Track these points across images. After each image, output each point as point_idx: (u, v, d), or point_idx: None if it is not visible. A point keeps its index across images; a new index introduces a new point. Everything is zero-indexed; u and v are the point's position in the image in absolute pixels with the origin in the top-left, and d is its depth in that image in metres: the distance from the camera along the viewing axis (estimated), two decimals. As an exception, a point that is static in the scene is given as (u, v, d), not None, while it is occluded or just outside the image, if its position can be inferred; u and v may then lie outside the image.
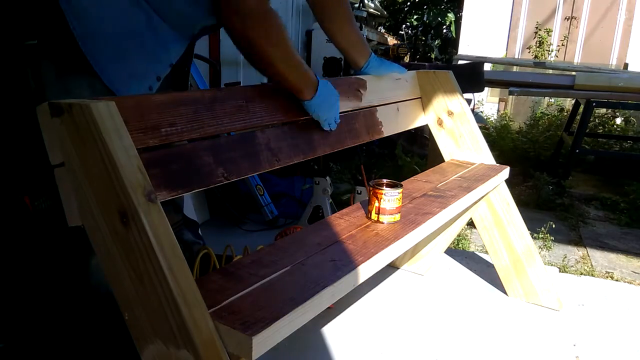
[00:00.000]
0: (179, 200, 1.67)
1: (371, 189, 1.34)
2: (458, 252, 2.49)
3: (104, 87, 1.14)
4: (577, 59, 6.50)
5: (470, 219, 2.04)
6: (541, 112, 5.34)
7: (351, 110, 1.58)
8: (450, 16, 10.77)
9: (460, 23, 7.59)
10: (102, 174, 0.82)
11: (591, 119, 4.43)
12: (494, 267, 2.05)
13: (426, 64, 2.97)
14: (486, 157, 1.96)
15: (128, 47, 1.16)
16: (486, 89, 4.66)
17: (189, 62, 1.47)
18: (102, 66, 1.12)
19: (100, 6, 1.11)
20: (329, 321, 1.80)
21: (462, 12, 7.60)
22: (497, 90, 6.00)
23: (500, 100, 6.24)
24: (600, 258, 2.55)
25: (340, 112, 1.48)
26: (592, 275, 2.32)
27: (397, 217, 1.34)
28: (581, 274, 2.32)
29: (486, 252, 2.36)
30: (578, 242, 2.76)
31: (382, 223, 1.32)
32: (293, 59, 1.18)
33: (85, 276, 1.26)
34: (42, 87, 1.11)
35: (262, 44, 1.11)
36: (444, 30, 11.33)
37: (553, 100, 5.54)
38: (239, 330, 0.82)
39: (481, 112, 5.86)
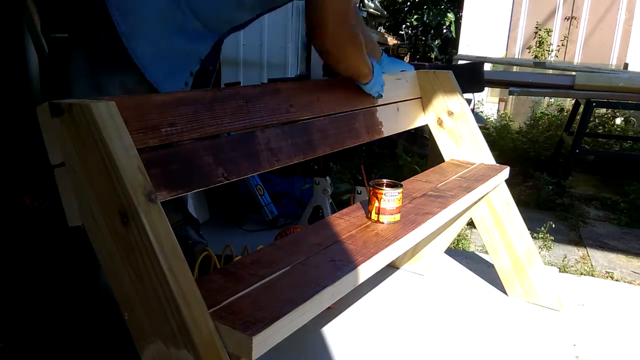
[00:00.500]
0: (182, 199, 1.67)
1: (371, 189, 1.34)
2: (458, 252, 2.49)
3: (137, 84, 1.16)
4: (577, 59, 6.50)
5: (470, 219, 2.04)
6: (541, 112, 5.34)
7: (351, 111, 1.58)
8: (450, 16, 10.77)
9: (460, 23, 7.60)
10: (102, 174, 0.82)
11: (591, 119, 4.43)
12: (494, 267, 2.05)
13: (426, 64, 2.96)
14: (486, 157, 1.96)
15: (167, 45, 1.18)
16: (486, 89, 4.66)
17: (217, 59, 1.49)
18: (145, 63, 1.14)
19: (144, 4, 1.12)
20: (329, 321, 1.80)
21: (462, 12, 7.60)
22: (497, 90, 6.00)
23: (500, 100, 6.24)
24: (600, 258, 2.55)
25: (341, 112, 1.49)
26: (592, 275, 2.32)
27: (397, 217, 1.34)
28: (581, 274, 2.32)
29: (486, 252, 2.36)
30: (578, 242, 2.76)
31: (382, 223, 1.32)
32: (366, 60, 1.45)
33: (93, 278, 1.26)
34: (68, 81, 1.11)
35: (354, 62, 1.41)
36: (444, 30, 11.33)
37: (553, 100, 5.54)
38: (239, 330, 0.82)
39: (481, 112, 5.86)
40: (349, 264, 1.08)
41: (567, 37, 6.52)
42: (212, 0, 1.22)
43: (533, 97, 5.32)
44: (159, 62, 1.17)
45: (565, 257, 2.49)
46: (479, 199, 1.87)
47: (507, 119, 5.26)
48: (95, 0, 1.06)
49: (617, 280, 2.29)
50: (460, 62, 4.68)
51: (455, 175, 1.79)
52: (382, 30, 10.27)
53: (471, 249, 2.54)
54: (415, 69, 1.98)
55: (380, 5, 8.99)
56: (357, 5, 6.76)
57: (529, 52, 6.63)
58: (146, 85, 1.16)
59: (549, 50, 6.52)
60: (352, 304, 1.92)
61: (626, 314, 1.98)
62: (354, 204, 1.51)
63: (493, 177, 1.79)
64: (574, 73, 3.62)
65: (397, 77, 1.85)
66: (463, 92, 1.96)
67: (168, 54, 1.19)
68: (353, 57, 1.38)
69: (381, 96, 1.67)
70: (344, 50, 1.32)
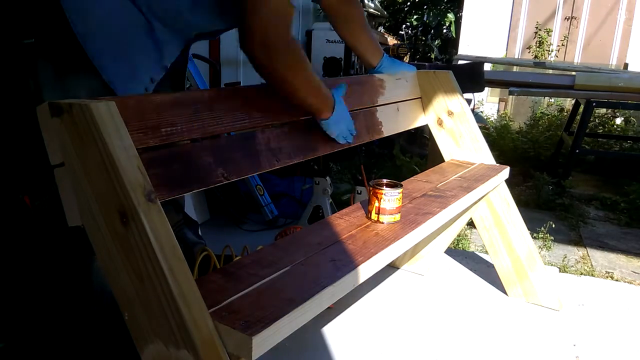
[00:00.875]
0: (179, 200, 1.67)
1: (371, 189, 1.34)
2: (458, 252, 2.49)
3: (102, 88, 1.14)
4: (577, 59, 6.50)
5: (471, 219, 2.04)
6: (541, 112, 5.33)
7: (351, 111, 1.58)
8: (450, 16, 10.77)
9: (460, 23, 7.59)
10: (102, 174, 0.82)
11: (591, 119, 4.43)
12: (494, 267, 2.05)
13: (426, 64, 2.97)
14: (486, 157, 1.96)
15: (126, 48, 1.16)
16: (486, 89, 4.66)
17: (185, 63, 1.47)
18: (103, 65, 1.12)
19: (101, 5, 1.11)
20: (329, 321, 1.80)
21: (462, 12, 7.60)
22: (497, 90, 5.99)
23: (500, 100, 6.24)
24: (600, 258, 2.55)
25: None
26: (592, 275, 2.32)
27: (397, 217, 1.34)
28: (581, 274, 2.32)
29: (486, 252, 2.36)
30: (578, 242, 2.76)
31: (382, 223, 1.32)
32: (313, 84, 1.22)
33: (87, 277, 1.26)
34: (39, 87, 1.10)
35: (285, 74, 1.15)
36: (444, 30, 11.32)
37: (553, 100, 5.54)
38: (239, 330, 0.82)
39: (481, 112, 5.86)
40: (349, 264, 1.08)
41: (567, 37, 6.51)
42: (168, 0, 1.18)
43: (533, 97, 5.31)
44: (117, 63, 1.13)
45: (565, 257, 2.48)
46: (479, 199, 1.87)
47: (507, 119, 5.26)
48: (51, 3, 1.05)
49: (617, 280, 2.29)
50: (460, 62, 4.68)
51: (455, 175, 1.79)
52: (382, 31, 10.27)
53: (471, 249, 2.54)
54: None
55: (380, 5, 8.99)
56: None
57: (529, 52, 6.62)
58: (108, 90, 1.14)
59: (549, 51, 6.51)
60: (352, 304, 1.92)
61: (626, 314, 1.98)
62: (354, 204, 1.51)
63: (493, 177, 1.79)
64: (574, 73, 3.61)
65: (397, 77, 1.85)
66: (463, 92, 1.96)
67: (127, 57, 1.15)
68: (291, 70, 1.14)
69: (349, 143, 1.44)
70: (278, 59, 1.10)
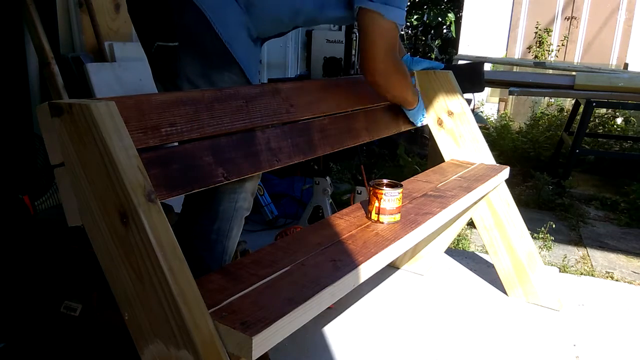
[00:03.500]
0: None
1: (371, 189, 1.34)
2: (458, 252, 2.49)
3: (240, 79, 1.34)
4: (577, 59, 6.49)
5: (470, 219, 2.04)
6: (541, 112, 5.33)
7: (351, 111, 1.58)
8: (450, 16, 10.75)
9: (460, 23, 7.59)
10: (102, 174, 0.82)
11: (591, 119, 4.43)
12: (494, 267, 2.05)
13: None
14: (486, 157, 1.96)
15: (250, 51, 1.39)
16: (486, 89, 4.66)
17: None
18: (244, 64, 1.35)
19: (233, 18, 1.33)
20: (329, 321, 1.80)
21: (462, 12, 7.60)
22: (497, 90, 5.99)
23: (500, 100, 6.23)
24: (600, 258, 2.55)
25: (340, 112, 1.49)
26: (592, 275, 2.32)
27: (397, 217, 1.34)
28: (581, 274, 2.32)
29: (486, 252, 2.36)
30: (578, 242, 2.76)
31: (382, 223, 1.32)
32: (411, 87, 1.65)
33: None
34: (190, 80, 1.31)
35: (400, 91, 1.60)
36: (444, 30, 11.30)
37: (553, 100, 5.53)
38: (239, 330, 0.82)
39: (481, 112, 5.86)
40: (349, 264, 1.08)
41: (567, 37, 6.51)
42: (270, 10, 1.38)
43: (533, 97, 5.31)
44: (250, 63, 1.38)
45: (565, 257, 2.48)
46: (479, 199, 1.87)
47: (507, 119, 5.25)
48: (200, 17, 1.28)
49: (617, 280, 2.29)
50: (460, 62, 4.68)
51: (455, 175, 1.79)
52: (382, 30, 10.20)
53: (471, 249, 2.54)
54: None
55: (380, 5, 8.95)
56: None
57: (529, 52, 6.62)
58: (245, 79, 1.36)
59: (549, 50, 6.51)
60: (352, 304, 1.92)
61: (626, 314, 1.98)
62: (354, 204, 1.51)
63: (493, 177, 1.79)
64: (574, 73, 3.61)
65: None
66: (463, 92, 1.96)
67: (252, 58, 1.40)
68: (399, 86, 1.56)
69: (421, 123, 1.86)
70: (391, 81, 1.49)
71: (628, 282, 2.28)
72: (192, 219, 1.33)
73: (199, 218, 1.32)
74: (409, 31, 11.29)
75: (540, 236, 2.60)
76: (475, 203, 1.87)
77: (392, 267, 2.24)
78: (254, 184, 1.34)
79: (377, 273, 1.18)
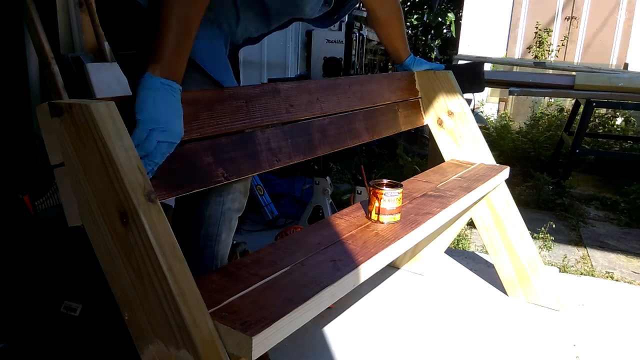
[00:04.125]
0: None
1: (371, 189, 1.34)
2: (458, 252, 2.49)
3: (203, 77, 1.25)
4: (577, 59, 6.50)
5: (470, 219, 2.04)
6: (541, 112, 5.34)
7: (351, 111, 1.58)
8: (450, 16, 10.75)
9: (460, 23, 7.59)
10: (102, 174, 0.82)
11: (591, 119, 4.43)
12: (494, 267, 2.05)
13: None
14: (486, 157, 1.96)
15: (214, 47, 1.29)
16: (486, 89, 4.66)
17: (237, 68, 1.59)
18: (203, 61, 1.24)
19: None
20: (329, 321, 1.80)
21: (462, 12, 7.60)
22: (497, 90, 6.00)
23: (501, 100, 6.24)
24: (600, 258, 2.55)
25: (341, 112, 1.49)
26: (592, 275, 2.32)
27: (397, 217, 1.34)
28: (581, 274, 2.32)
29: (486, 252, 2.36)
30: (578, 242, 2.76)
31: (382, 223, 1.32)
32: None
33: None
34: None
35: None
36: (444, 30, 11.30)
37: (553, 100, 5.54)
38: (239, 330, 0.82)
39: (481, 112, 5.87)
40: (349, 264, 1.08)
41: (567, 37, 6.51)
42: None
43: (533, 97, 5.32)
44: (214, 61, 1.29)
45: (565, 257, 2.48)
46: (479, 199, 1.87)
47: (507, 119, 5.26)
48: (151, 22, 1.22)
49: (617, 281, 2.29)
50: (460, 62, 4.68)
51: (455, 175, 1.79)
52: (382, 30, 10.21)
53: (471, 249, 2.54)
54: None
55: (380, 5, 8.96)
56: (358, 5, 6.75)
57: (529, 52, 6.63)
58: (211, 81, 1.26)
59: (549, 50, 6.52)
60: (352, 304, 1.92)
61: (626, 314, 1.98)
62: (354, 204, 1.51)
63: (493, 177, 1.79)
64: (574, 73, 3.61)
65: (397, 77, 1.85)
66: (463, 92, 1.96)
67: (216, 55, 1.30)
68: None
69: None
70: None
71: (628, 282, 2.28)
72: (180, 225, 1.28)
73: (186, 224, 1.27)
74: (409, 31, 11.29)
75: (540, 236, 2.60)
76: (475, 203, 1.87)
77: (392, 267, 2.24)
78: (244, 183, 1.30)
79: (377, 273, 1.18)
